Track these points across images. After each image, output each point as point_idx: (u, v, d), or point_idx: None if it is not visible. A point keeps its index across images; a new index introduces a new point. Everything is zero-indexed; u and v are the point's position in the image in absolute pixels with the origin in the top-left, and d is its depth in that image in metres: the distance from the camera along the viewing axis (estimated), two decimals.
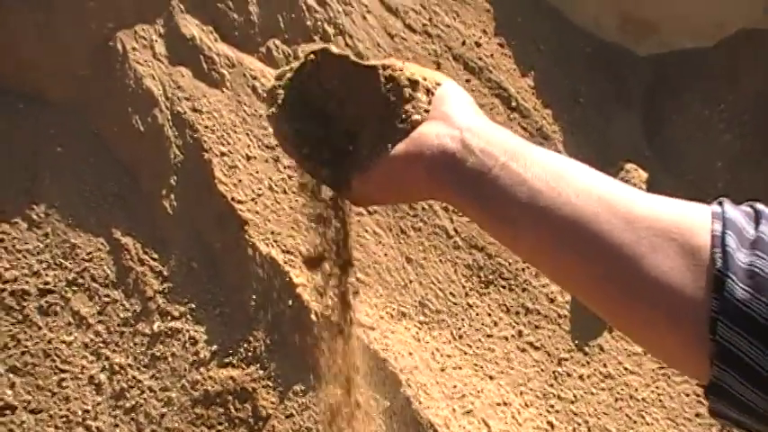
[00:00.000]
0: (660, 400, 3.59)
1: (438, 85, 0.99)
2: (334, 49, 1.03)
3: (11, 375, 2.94)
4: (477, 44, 4.02)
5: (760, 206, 0.81)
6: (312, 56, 1.03)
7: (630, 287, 0.81)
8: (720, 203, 0.82)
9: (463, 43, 3.98)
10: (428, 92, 0.98)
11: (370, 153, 0.97)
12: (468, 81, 3.90)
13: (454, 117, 0.95)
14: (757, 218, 0.79)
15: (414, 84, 0.98)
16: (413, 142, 0.95)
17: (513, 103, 3.97)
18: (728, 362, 0.74)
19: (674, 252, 0.78)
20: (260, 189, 3.27)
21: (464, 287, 3.51)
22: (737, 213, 0.80)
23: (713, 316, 0.75)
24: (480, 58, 3.99)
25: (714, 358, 0.76)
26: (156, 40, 3.32)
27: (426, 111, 0.97)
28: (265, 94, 1.07)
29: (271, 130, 1.06)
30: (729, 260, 0.75)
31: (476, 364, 3.34)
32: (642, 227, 0.80)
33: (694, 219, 0.80)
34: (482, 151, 0.90)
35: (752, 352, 0.72)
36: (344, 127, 1.01)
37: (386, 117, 0.98)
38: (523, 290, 3.60)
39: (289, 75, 1.04)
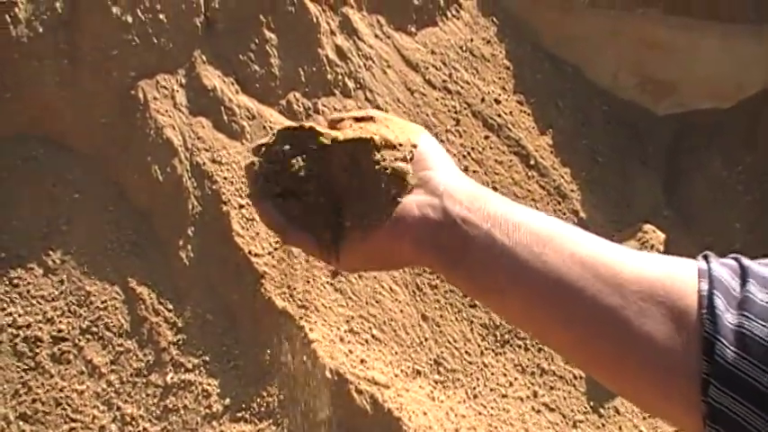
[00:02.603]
0: None
1: (414, 147, 0.97)
2: (308, 124, 1.01)
3: (21, 423, 2.92)
4: (497, 101, 4.03)
5: (746, 261, 0.80)
6: (287, 131, 1.01)
7: (620, 351, 0.81)
8: (706, 258, 0.82)
9: (482, 100, 3.99)
10: (404, 159, 0.96)
11: (352, 226, 0.96)
12: (486, 138, 3.91)
13: (433, 182, 0.94)
14: (743, 275, 0.79)
15: (388, 152, 0.96)
16: (395, 214, 0.93)
17: (532, 161, 3.97)
18: (721, 422, 0.74)
19: (662, 315, 0.78)
20: (277, 242, 3.26)
21: (480, 346, 3.48)
22: (723, 270, 0.80)
23: (705, 378, 0.75)
24: (499, 115, 4.00)
25: (707, 418, 0.75)
26: (178, 91, 3.34)
27: (405, 178, 0.95)
28: (244, 170, 1.05)
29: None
30: (718, 322, 0.75)
31: (490, 425, 3.30)
32: (629, 291, 0.80)
33: (680, 279, 0.80)
34: (464, 220, 0.89)
35: (743, 412, 0.73)
36: (325, 201, 0.99)
37: (366, 190, 0.96)
38: (539, 350, 3.57)
39: (264, 149, 1.02)
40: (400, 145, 0.97)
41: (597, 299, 0.81)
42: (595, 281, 0.82)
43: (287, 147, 1.00)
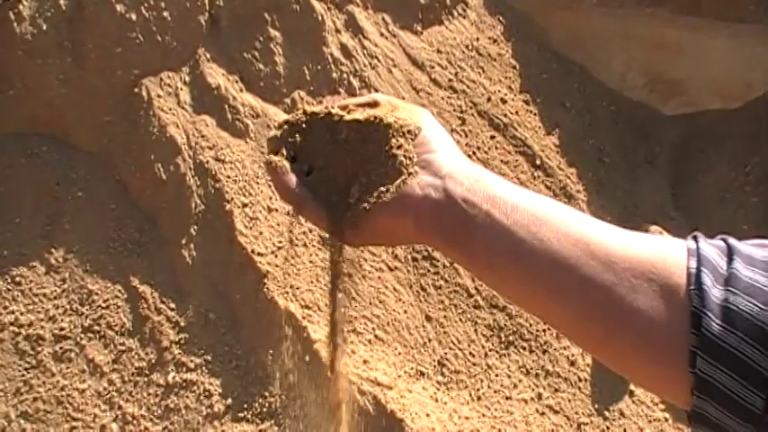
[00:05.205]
0: None
1: (419, 129, 1.02)
2: (324, 107, 1.07)
3: (22, 421, 2.92)
4: (503, 101, 4.01)
5: (732, 241, 0.84)
6: (309, 111, 1.07)
7: (613, 327, 0.85)
8: (695, 238, 0.86)
9: (488, 99, 3.97)
10: (409, 139, 1.01)
11: (358, 204, 1.00)
12: (492, 138, 3.89)
13: (435, 164, 0.98)
14: (730, 253, 0.82)
15: (396, 133, 1.01)
16: (398, 193, 0.97)
17: (538, 162, 3.95)
18: (707, 392, 0.79)
19: (653, 291, 0.83)
20: (281, 242, 3.26)
21: (484, 347, 3.47)
22: (711, 249, 0.83)
23: (692, 351, 0.80)
24: (505, 115, 3.98)
25: (694, 389, 0.80)
26: (181, 88, 3.33)
27: (410, 159, 0.99)
28: (266, 144, 1.14)
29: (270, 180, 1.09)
30: (705, 297, 0.79)
31: (494, 427, 3.29)
32: (621, 268, 0.84)
33: (671, 257, 0.84)
34: (465, 200, 0.92)
35: (729, 383, 0.77)
36: (335, 178, 1.05)
37: (371, 171, 1.01)
38: (544, 352, 3.55)
39: (285, 126, 1.08)
40: (405, 128, 1.02)
41: (591, 276, 0.85)
42: (589, 258, 0.86)
43: (306, 125, 1.07)
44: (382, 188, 0.99)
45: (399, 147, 1.00)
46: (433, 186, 0.95)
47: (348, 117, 1.04)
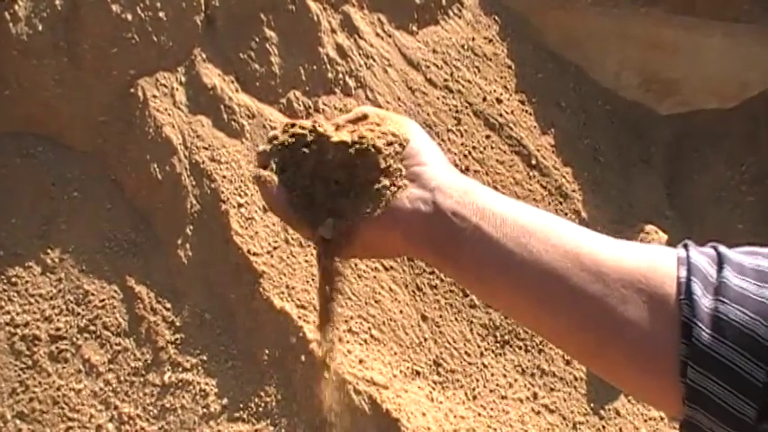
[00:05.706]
0: None
1: (406, 141, 1.02)
2: (311, 123, 1.08)
3: (18, 421, 2.91)
4: (498, 100, 4.02)
5: (722, 249, 0.84)
6: (298, 126, 1.07)
7: (605, 337, 0.85)
8: (686, 247, 0.86)
9: (484, 99, 3.98)
10: (398, 154, 1.01)
11: (346, 218, 1.01)
12: (487, 137, 3.89)
13: (424, 176, 0.98)
14: (720, 261, 0.82)
15: (384, 152, 1.01)
16: (388, 207, 0.97)
17: (533, 161, 3.95)
18: (699, 402, 0.79)
19: (643, 302, 0.82)
20: (276, 242, 3.26)
21: (479, 347, 3.47)
22: (701, 258, 0.83)
23: (683, 361, 0.80)
24: (501, 115, 3.98)
25: (686, 399, 0.80)
26: (177, 89, 3.33)
27: (399, 174, 1.00)
28: (255, 158, 1.14)
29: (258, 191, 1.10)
30: (695, 307, 0.79)
31: (489, 426, 3.29)
32: (611, 279, 0.84)
33: (661, 266, 0.84)
34: (454, 214, 0.92)
35: (719, 392, 0.77)
36: (324, 193, 1.05)
37: (359, 187, 1.01)
38: (539, 351, 3.56)
39: (276, 142, 1.08)
40: (394, 144, 1.02)
41: (581, 287, 0.85)
42: (578, 269, 0.86)
43: (294, 142, 1.07)
44: (371, 203, 0.99)
45: (388, 164, 1.00)
46: (422, 199, 0.95)
47: (335, 138, 1.04)
